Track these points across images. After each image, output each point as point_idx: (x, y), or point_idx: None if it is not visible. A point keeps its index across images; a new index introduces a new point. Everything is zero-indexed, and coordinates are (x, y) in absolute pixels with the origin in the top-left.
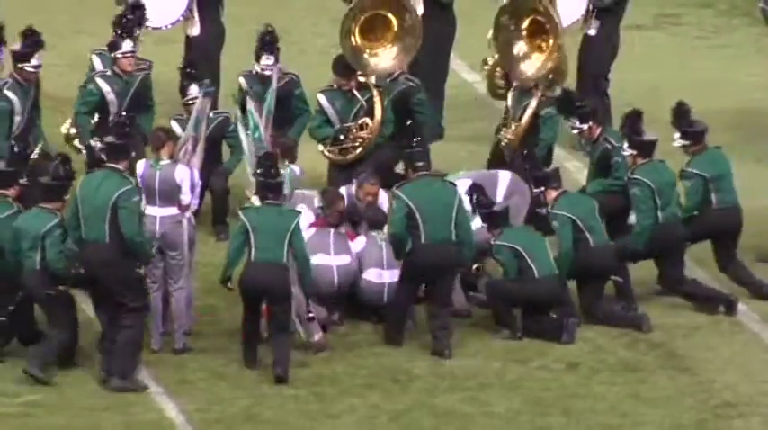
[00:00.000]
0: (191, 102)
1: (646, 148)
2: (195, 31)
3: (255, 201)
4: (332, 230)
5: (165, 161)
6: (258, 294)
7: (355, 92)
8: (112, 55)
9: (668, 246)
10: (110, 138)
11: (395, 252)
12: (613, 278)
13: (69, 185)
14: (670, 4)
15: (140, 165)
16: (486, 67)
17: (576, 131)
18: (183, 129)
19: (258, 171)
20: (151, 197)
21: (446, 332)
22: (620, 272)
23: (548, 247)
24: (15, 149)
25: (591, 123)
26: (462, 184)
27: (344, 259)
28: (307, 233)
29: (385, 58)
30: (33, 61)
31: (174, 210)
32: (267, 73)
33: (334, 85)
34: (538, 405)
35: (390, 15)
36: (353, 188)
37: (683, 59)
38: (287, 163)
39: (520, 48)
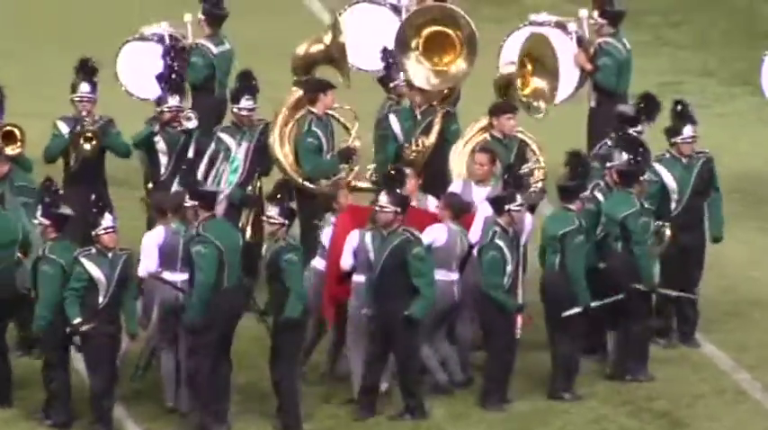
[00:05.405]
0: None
1: (626, 176)
2: None
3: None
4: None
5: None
6: None
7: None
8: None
9: None
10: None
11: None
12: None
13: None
14: (671, 72)
15: (158, 234)
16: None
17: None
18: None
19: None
20: (173, 263)
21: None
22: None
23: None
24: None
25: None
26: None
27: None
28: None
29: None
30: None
31: None
32: (244, 114)
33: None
34: None
35: (447, 29)
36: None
37: None
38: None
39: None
